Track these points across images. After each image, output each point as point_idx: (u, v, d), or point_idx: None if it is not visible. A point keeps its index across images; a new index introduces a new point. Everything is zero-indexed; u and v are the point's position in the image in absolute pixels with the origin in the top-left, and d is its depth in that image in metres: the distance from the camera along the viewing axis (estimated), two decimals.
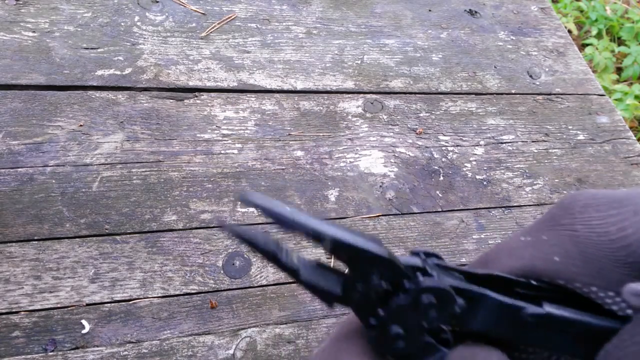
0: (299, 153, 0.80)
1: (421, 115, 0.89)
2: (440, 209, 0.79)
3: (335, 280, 0.25)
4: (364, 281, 0.24)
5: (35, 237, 0.65)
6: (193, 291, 0.65)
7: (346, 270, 0.25)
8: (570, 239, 0.23)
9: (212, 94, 0.84)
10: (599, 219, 0.22)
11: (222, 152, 0.78)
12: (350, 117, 0.86)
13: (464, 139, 0.88)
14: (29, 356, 0.57)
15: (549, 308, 0.23)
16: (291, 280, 0.69)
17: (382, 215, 0.76)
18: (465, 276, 0.25)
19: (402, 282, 0.24)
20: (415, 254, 0.26)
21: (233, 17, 0.94)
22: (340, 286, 0.25)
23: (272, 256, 0.25)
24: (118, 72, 0.82)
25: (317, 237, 0.23)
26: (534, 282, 0.24)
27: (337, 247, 0.23)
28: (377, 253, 0.24)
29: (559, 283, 0.23)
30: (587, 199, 0.23)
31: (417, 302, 0.24)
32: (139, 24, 0.89)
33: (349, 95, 0.89)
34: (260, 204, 0.24)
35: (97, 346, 0.59)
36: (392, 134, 0.86)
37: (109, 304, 0.62)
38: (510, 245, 0.25)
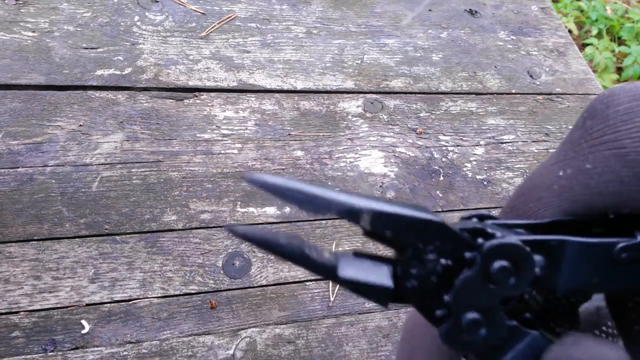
0: (299, 153, 0.80)
1: (421, 115, 0.89)
2: (440, 209, 0.79)
3: (382, 271, 0.20)
4: (418, 262, 0.20)
5: (35, 237, 0.65)
6: (193, 291, 0.65)
7: (393, 255, 0.20)
8: (619, 159, 0.18)
9: (212, 94, 0.83)
10: None
11: (222, 152, 0.77)
12: (350, 117, 0.86)
13: (464, 138, 0.88)
14: (28, 356, 0.57)
15: None
16: (291, 281, 0.69)
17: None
18: (529, 229, 0.21)
19: (463, 254, 0.20)
20: (466, 219, 0.22)
21: (233, 16, 0.94)
22: (391, 276, 0.20)
23: (300, 257, 0.20)
24: (118, 72, 0.82)
25: (351, 213, 0.19)
26: (611, 216, 0.19)
27: (378, 221, 0.19)
28: (428, 219, 0.19)
29: (607, 212, 0.19)
30: (628, 102, 0.19)
31: (488, 272, 0.19)
32: (138, 23, 0.89)
33: (349, 95, 0.89)
34: (272, 182, 0.19)
35: (97, 346, 0.59)
36: (392, 133, 0.86)
37: (108, 304, 0.62)
38: (547, 183, 0.21)
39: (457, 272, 0.20)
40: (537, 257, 0.19)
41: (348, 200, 0.19)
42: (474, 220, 0.21)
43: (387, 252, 0.21)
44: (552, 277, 0.19)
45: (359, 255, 0.21)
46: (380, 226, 0.19)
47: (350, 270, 0.20)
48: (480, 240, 0.19)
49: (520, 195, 0.22)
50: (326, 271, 0.20)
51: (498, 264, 0.19)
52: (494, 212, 0.81)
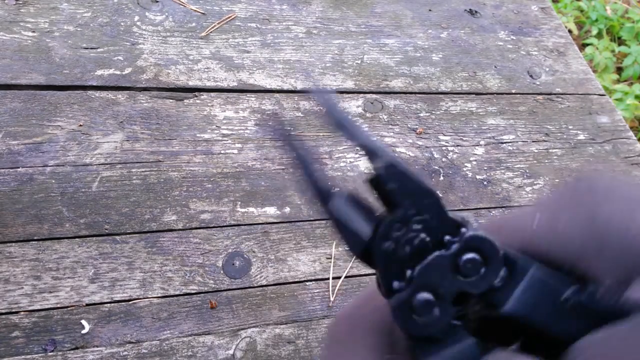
0: None
1: (421, 115, 0.89)
2: None
3: (366, 221, 0.20)
4: (402, 226, 0.20)
5: (35, 237, 0.65)
6: (193, 291, 0.65)
7: (380, 211, 0.21)
8: (589, 222, 0.20)
9: (212, 94, 0.83)
10: (623, 211, 0.19)
11: (222, 152, 0.77)
12: (350, 117, 0.86)
13: (464, 139, 0.88)
14: (28, 356, 0.57)
15: (583, 295, 0.20)
16: (291, 281, 0.69)
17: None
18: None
19: (444, 237, 0.20)
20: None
21: (233, 16, 0.94)
22: (372, 227, 0.20)
23: (306, 169, 0.21)
24: (118, 72, 0.82)
25: (372, 152, 0.19)
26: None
27: (390, 170, 0.19)
28: (432, 190, 0.19)
29: (563, 265, 0.20)
30: (608, 185, 0.20)
31: (458, 261, 0.19)
32: (138, 23, 0.89)
33: (349, 95, 0.89)
34: (328, 103, 0.20)
35: (97, 346, 0.59)
36: (392, 134, 0.86)
37: (108, 304, 0.62)
38: (522, 218, 0.22)
39: (431, 251, 0.20)
40: (502, 270, 0.19)
41: (376, 142, 0.20)
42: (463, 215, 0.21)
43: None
44: (505, 293, 0.20)
45: (353, 197, 0.21)
46: (388, 175, 0.19)
47: (341, 206, 0.20)
48: (464, 229, 0.20)
49: (501, 220, 0.23)
50: (319, 194, 0.21)
51: (471, 255, 0.19)
52: (494, 212, 0.81)
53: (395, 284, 0.20)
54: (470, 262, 0.19)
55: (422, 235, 0.20)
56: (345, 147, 0.82)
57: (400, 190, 0.20)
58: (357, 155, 0.82)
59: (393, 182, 0.19)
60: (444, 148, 0.86)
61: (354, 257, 0.22)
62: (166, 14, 0.91)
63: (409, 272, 0.20)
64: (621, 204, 0.20)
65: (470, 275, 0.20)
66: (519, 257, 0.20)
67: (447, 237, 0.20)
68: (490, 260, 0.19)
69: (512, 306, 0.20)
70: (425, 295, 0.20)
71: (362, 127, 0.20)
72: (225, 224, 0.71)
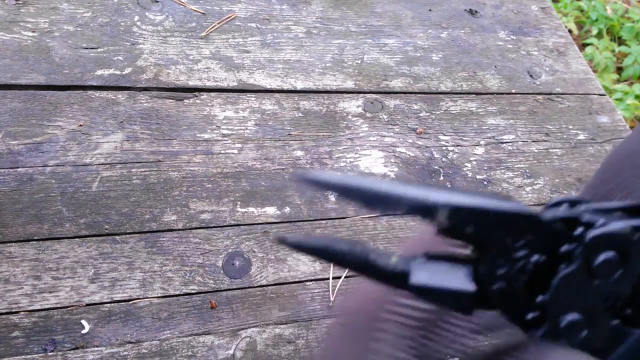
0: (299, 153, 0.80)
1: (421, 115, 0.89)
2: None
3: (461, 274, 0.17)
4: (505, 260, 0.17)
5: (35, 237, 0.65)
6: (193, 291, 0.65)
7: (472, 254, 0.18)
8: None
9: (212, 94, 0.83)
10: None
11: (222, 152, 0.77)
12: (350, 117, 0.86)
13: (464, 138, 0.88)
14: (28, 356, 0.57)
15: None
16: (291, 281, 0.69)
17: (382, 215, 0.76)
18: (630, 213, 0.18)
19: (559, 248, 0.17)
20: (556, 204, 0.19)
21: (233, 16, 0.94)
22: (471, 279, 0.17)
23: (366, 265, 0.18)
24: (118, 72, 0.82)
25: (425, 209, 0.16)
26: None
27: (458, 216, 0.16)
28: (517, 210, 0.16)
29: None
30: None
31: (591, 267, 0.16)
32: (138, 23, 0.89)
33: (349, 95, 0.89)
34: (331, 181, 0.17)
35: (97, 346, 0.59)
36: (392, 133, 0.86)
37: (108, 304, 0.62)
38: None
39: (553, 268, 0.17)
40: None
41: (421, 195, 0.16)
42: (565, 206, 0.18)
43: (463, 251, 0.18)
44: None
45: (432, 256, 0.18)
46: (460, 222, 0.17)
47: (424, 275, 0.17)
48: (579, 230, 0.17)
49: (610, 168, 0.19)
50: (396, 279, 0.18)
51: (603, 255, 0.17)
52: None
53: (530, 316, 0.18)
54: (606, 263, 0.17)
55: (534, 257, 0.17)
56: (345, 147, 0.82)
57: (481, 229, 0.17)
58: (357, 155, 0.82)
59: (468, 225, 0.17)
60: (444, 148, 0.86)
61: (471, 314, 0.18)
62: (166, 14, 0.91)
63: (540, 298, 0.17)
64: None
65: (611, 275, 0.17)
66: None
67: (564, 247, 0.17)
68: (627, 250, 0.16)
69: None
70: (570, 317, 0.17)
71: (395, 185, 0.17)
72: (225, 224, 0.71)
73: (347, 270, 0.69)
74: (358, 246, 0.18)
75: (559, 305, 0.17)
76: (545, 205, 0.19)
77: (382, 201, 0.16)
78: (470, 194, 0.17)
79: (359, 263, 0.18)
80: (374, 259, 0.18)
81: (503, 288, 0.17)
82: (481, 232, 0.17)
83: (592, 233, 0.16)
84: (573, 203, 0.18)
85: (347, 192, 0.17)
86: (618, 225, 0.16)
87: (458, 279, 0.17)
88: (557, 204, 0.18)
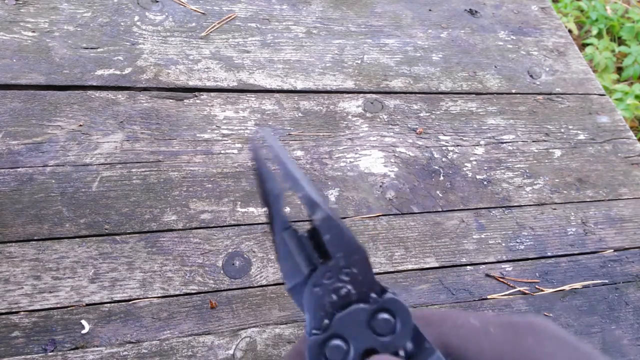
0: (299, 153, 0.80)
1: (421, 115, 0.89)
2: (440, 209, 0.79)
3: (307, 262, 0.23)
4: (333, 275, 0.22)
5: (35, 237, 0.65)
6: (193, 291, 0.65)
7: (319, 260, 0.23)
8: (510, 348, 0.22)
9: (212, 94, 0.83)
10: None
11: (222, 152, 0.77)
12: (350, 117, 0.86)
13: (464, 138, 0.88)
14: (28, 356, 0.57)
15: None
16: None
17: (382, 215, 0.76)
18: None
19: (369, 294, 0.22)
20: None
21: (233, 16, 0.94)
22: (308, 270, 0.23)
23: (272, 196, 0.23)
24: (118, 72, 0.82)
25: (312, 204, 0.22)
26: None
27: (327, 224, 0.22)
28: (362, 247, 0.22)
29: None
30: (551, 335, 0.22)
31: (375, 318, 0.22)
32: (138, 23, 0.89)
33: (349, 95, 0.89)
34: (274, 152, 0.23)
35: (97, 346, 0.59)
36: (392, 133, 0.86)
37: (108, 304, 0.62)
38: (458, 319, 0.24)
39: (353, 303, 0.22)
40: (410, 344, 0.22)
41: (313, 194, 0.22)
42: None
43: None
44: None
45: (302, 236, 0.24)
46: (325, 228, 0.22)
47: (290, 239, 0.23)
48: (388, 293, 0.22)
49: (437, 313, 0.26)
50: (275, 222, 0.23)
51: (387, 316, 0.22)
52: (494, 212, 0.81)
53: (314, 329, 0.22)
54: (385, 321, 0.22)
55: (349, 287, 0.22)
56: (345, 147, 0.82)
57: (334, 242, 0.22)
58: (357, 155, 0.82)
59: (328, 233, 0.22)
60: (444, 148, 0.86)
61: (286, 291, 0.24)
62: (166, 14, 0.91)
63: (326, 321, 0.22)
64: (553, 351, 0.21)
65: (382, 334, 0.22)
66: (426, 340, 0.22)
67: (372, 295, 0.22)
68: (402, 326, 0.22)
69: None
70: (337, 342, 0.22)
71: (305, 178, 0.22)
72: (225, 224, 0.71)
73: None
74: (277, 187, 0.23)
75: (337, 329, 0.22)
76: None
77: (293, 182, 0.22)
78: (343, 223, 0.22)
79: (268, 194, 0.23)
80: (277, 202, 0.23)
81: (317, 294, 0.22)
82: (331, 243, 0.22)
83: (390, 297, 0.22)
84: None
85: (275, 160, 0.22)
86: (408, 307, 0.22)
87: (301, 262, 0.23)
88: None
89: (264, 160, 0.24)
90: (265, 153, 0.25)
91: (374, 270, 0.68)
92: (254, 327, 0.63)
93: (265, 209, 0.24)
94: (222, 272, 0.67)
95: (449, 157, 0.85)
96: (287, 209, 0.22)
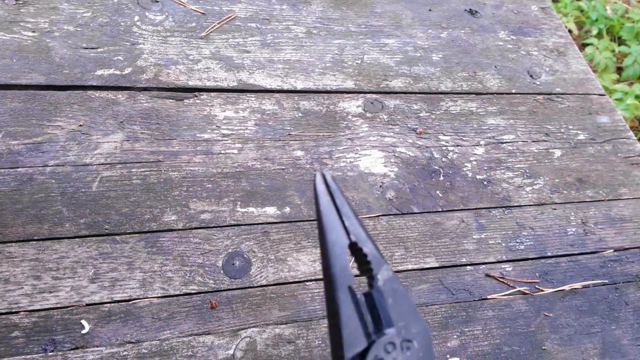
0: (299, 153, 0.80)
1: (421, 115, 0.89)
2: (440, 209, 0.79)
3: (367, 328, 0.22)
4: (394, 349, 0.22)
5: (35, 237, 0.65)
6: (193, 291, 0.65)
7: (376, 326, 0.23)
8: None
9: (212, 94, 0.83)
10: None
11: (222, 152, 0.77)
12: (350, 117, 0.86)
13: (464, 138, 0.88)
14: (28, 356, 0.57)
15: None
16: (291, 281, 0.69)
17: (382, 215, 0.76)
18: None
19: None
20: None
21: (233, 16, 0.94)
22: (369, 341, 0.22)
23: (338, 247, 0.23)
24: (118, 72, 0.82)
25: (377, 262, 0.22)
26: None
27: (390, 287, 0.22)
28: (422, 320, 0.22)
29: None
30: None
31: None
32: (138, 23, 0.89)
33: (349, 95, 0.89)
34: (339, 200, 0.23)
35: (97, 346, 0.59)
36: (392, 133, 0.86)
37: (108, 304, 0.62)
38: None
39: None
40: None
41: (378, 251, 0.23)
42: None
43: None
44: None
45: (368, 299, 0.24)
46: (389, 292, 0.23)
47: (349, 301, 0.23)
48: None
49: None
50: (340, 278, 0.23)
51: None
52: (494, 212, 0.81)
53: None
54: None
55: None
56: (345, 147, 0.82)
57: (396, 308, 0.22)
58: (357, 155, 0.82)
59: (391, 297, 0.22)
60: (444, 148, 0.86)
61: (336, 353, 0.23)
62: (166, 14, 0.91)
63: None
64: None
65: None
66: None
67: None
68: None
69: None
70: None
71: (368, 232, 0.21)
72: (225, 224, 0.71)
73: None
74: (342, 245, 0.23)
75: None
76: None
77: (357, 234, 0.23)
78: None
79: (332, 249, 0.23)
80: (340, 257, 0.23)
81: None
82: (394, 309, 0.23)
83: None
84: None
85: (341, 213, 0.23)
86: None
87: (359, 330, 0.23)
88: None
89: (329, 207, 0.23)
90: (328, 200, 0.24)
91: None
92: (254, 327, 0.63)
93: (323, 259, 0.23)
94: (222, 272, 0.67)
95: (449, 157, 0.85)
96: (351, 262, 0.22)
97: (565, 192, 0.85)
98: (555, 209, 0.83)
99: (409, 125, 0.87)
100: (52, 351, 0.58)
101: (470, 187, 0.82)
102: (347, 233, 0.23)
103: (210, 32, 0.91)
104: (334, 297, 0.23)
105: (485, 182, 0.83)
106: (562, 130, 0.94)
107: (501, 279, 0.73)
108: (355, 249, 0.23)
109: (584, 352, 0.69)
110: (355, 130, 0.85)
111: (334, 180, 0.24)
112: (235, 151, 0.78)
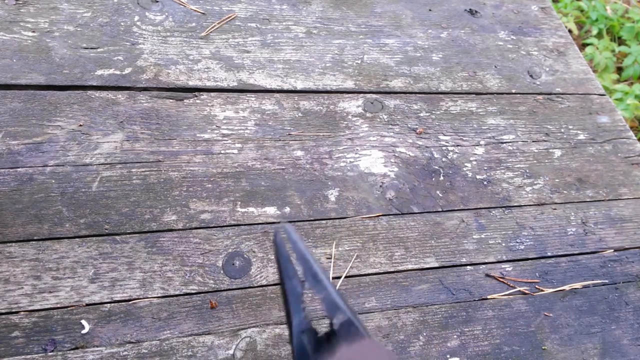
0: (299, 153, 0.80)
1: (421, 115, 0.89)
2: (440, 209, 0.79)
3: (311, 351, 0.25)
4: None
5: (35, 237, 0.65)
6: (193, 291, 0.65)
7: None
8: None
9: (212, 94, 0.83)
10: None
11: (222, 152, 0.77)
12: (350, 117, 0.86)
13: (464, 138, 0.88)
14: (28, 356, 0.57)
15: None
16: None
17: (382, 215, 0.76)
18: None
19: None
20: None
21: (233, 16, 0.94)
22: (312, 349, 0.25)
23: (294, 296, 0.26)
24: (118, 72, 0.82)
25: (333, 307, 0.24)
26: None
27: (346, 330, 0.23)
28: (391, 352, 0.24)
29: None
30: None
31: None
32: (138, 23, 0.89)
33: (349, 95, 0.89)
34: (297, 249, 0.25)
35: (97, 346, 0.59)
36: (392, 133, 0.86)
37: (108, 304, 0.62)
38: None
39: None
40: None
41: (336, 296, 0.24)
42: None
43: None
44: None
45: (324, 336, 0.26)
46: (344, 334, 0.24)
47: (308, 341, 0.25)
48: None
49: None
50: (296, 323, 0.26)
51: None
52: (494, 212, 0.81)
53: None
54: None
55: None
56: (345, 147, 0.82)
57: (352, 350, 0.24)
58: (357, 155, 0.82)
59: (346, 340, 0.23)
60: (444, 148, 0.86)
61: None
62: (166, 14, 0.91)
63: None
64: None
65: None
66: None
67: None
68: None
69: None
70: None
71: (328, 277, 0.23)
72: (225, 224, 0.71)
73: (347, 270, 0.69)
74: (298, 283, 0.26)
75: None
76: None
77: (313, 281, 0.25)
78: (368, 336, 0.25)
79: (291, 281, 0.27)
80: (299, 309, 0.26)
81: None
82: (348, 350, 0.24)
83: None
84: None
85: (298, 257, 0.26)
86: None
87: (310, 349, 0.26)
88: None
89: (287, 256, 0.25)
90: (288, 249, 0.26)
91: (374, 270, 0.68)
92: (254, 327, 0.63)
93: (284, 305, 0.26)
94: (222, 272, 0.67)
95: (449, 157, 0.85)
96: (308, 308, 0.26)
97: (565, 192, 0.85)
98: (555, 209, 0.83)
99: (409, 125, 0.87)
100: (52, 351, 0.58)
101: (470, 187, 0.82)
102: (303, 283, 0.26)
103: (210, 32, 0.91)
104: (290, 340, 0.26)
105: (485, 182, 0.83)
106: (562, 130, 0.94)
107: (501, 279, 0.73)
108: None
109: (584, 352, 0.69)
110: (355, 130, 0.85)
111: (293, 232, 0.27)
112: (235, 151, 0.78)
